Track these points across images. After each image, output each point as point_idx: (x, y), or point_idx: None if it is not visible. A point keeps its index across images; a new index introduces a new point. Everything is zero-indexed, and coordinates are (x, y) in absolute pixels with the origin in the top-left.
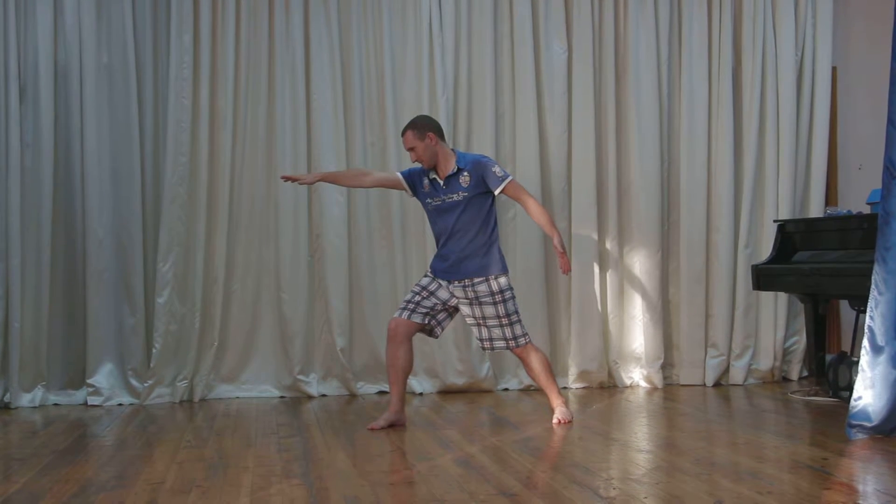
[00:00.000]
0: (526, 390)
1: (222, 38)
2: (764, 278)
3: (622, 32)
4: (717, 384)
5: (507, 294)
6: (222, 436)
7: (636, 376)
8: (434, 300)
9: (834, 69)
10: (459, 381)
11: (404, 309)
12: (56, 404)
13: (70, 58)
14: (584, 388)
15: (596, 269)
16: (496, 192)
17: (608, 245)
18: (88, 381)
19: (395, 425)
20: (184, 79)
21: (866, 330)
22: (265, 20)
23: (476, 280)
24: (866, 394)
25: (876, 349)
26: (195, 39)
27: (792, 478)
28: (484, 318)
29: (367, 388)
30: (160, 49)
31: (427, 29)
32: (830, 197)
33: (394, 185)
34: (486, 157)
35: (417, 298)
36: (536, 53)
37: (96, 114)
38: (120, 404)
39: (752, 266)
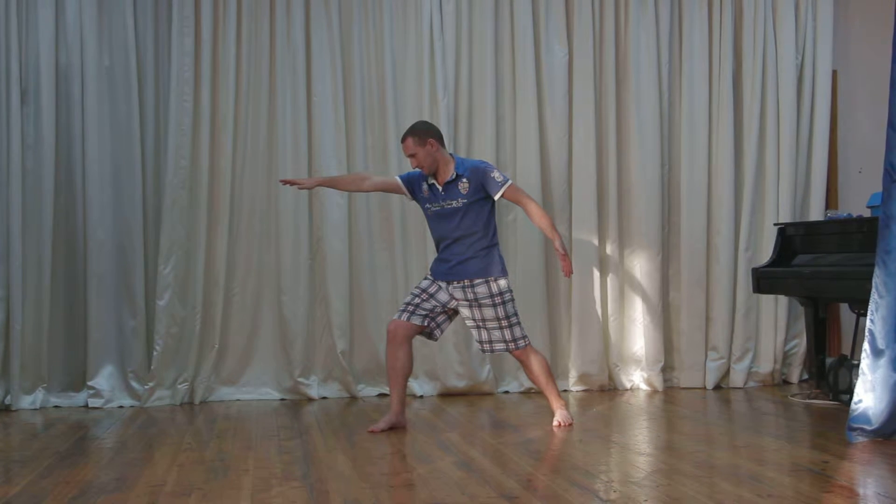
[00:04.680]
0: (526, 393)
1: (223, 41)
2: (764, 281)
3: (623, 35)
4: (717, 387)
5: (507, 296)
6: (223, 438)
7: (636, 379)
8: (434, 302)
9: (834, 72)
10: (460, 384)
11: (403, 311)
12: (57, 406)
13: (71, 60)
14: (584, 390)
15: (596, 271)
16: (496, 198)
17: (608, 248)
18: (89, 383)
19: (396, 428)
20: (185, 81)
21: (867, 333)
22: (266, 23)
23: (476, 281)
24: (867, 397)
25: (876, 352)
26: (196, 42)
27: (792, 481)
28: (483, 320)
29: (368, 391)
30: (161, 51)
31: (428, 31)
32: (831, 200)
33: (393, 190)
34: (484, 162)
35: (417, 301)
36: (537, 56)
37: (97, 116)
38: (120, 406)
39: (753, 269)
